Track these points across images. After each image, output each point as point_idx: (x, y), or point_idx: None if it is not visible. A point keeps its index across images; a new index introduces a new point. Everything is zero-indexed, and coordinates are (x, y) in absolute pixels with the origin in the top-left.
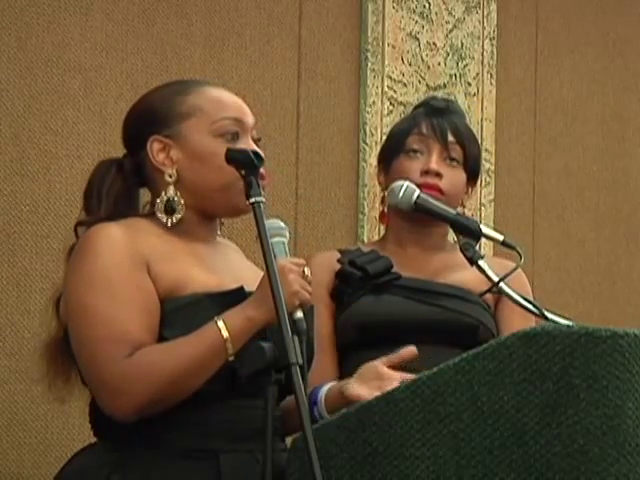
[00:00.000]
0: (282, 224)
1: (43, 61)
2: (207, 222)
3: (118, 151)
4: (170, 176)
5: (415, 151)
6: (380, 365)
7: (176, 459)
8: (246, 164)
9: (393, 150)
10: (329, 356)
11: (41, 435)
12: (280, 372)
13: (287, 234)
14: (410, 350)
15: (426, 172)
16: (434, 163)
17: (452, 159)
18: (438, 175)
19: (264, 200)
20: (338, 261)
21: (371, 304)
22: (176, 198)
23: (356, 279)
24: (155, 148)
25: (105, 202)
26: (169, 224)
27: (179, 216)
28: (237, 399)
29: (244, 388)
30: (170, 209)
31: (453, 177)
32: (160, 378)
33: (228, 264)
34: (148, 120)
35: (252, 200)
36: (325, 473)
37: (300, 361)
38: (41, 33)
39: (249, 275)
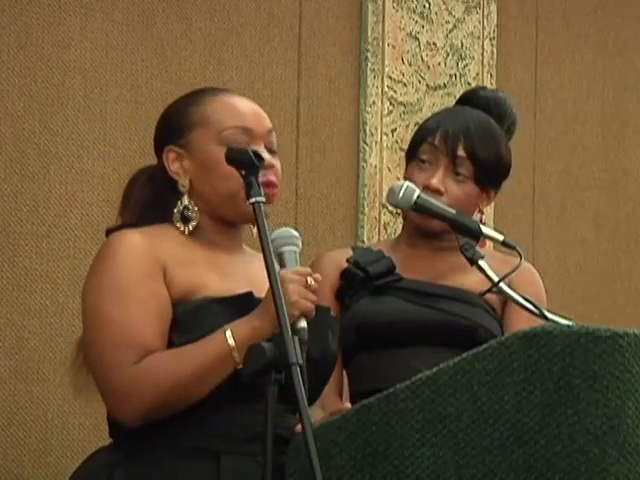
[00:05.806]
0: (295, 233)
1: (43, 61)
2: (227, 230)
3: (118, 151)
4: (183, 186)
5: (424, 161)
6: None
7: (177, 458)
8: (246, 164)
9: (409, 152)
10: None
11: (41, 435)
12: (280, 372)
13: (299, 243)
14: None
15: (427, 187)
16: (436, 179)
17: (458, 174)
18: (438, 191)
19: (264, 200)
20: (347, 260)
21: (369, 306)
22: (190, 207)
23: (357, 280)
24: (170, 158)
25: (132, 209)
26: (186, 232)
27: (194, 224)
28: (241, 402)
29: (248, 392)
30: (186, 218)
31: (458, 193)
32: (166, 384)
33: (247, 273)
34: (164, 130)
35: (252, 200)
36: (325, 473)
37: (300, 361)
38: (41, 33)
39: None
